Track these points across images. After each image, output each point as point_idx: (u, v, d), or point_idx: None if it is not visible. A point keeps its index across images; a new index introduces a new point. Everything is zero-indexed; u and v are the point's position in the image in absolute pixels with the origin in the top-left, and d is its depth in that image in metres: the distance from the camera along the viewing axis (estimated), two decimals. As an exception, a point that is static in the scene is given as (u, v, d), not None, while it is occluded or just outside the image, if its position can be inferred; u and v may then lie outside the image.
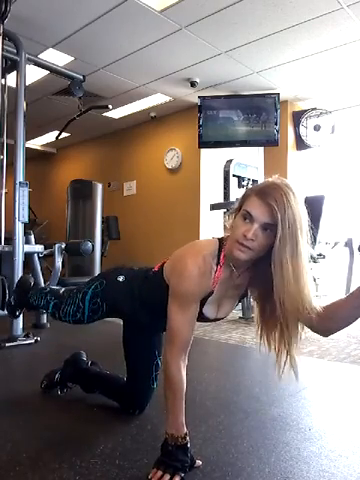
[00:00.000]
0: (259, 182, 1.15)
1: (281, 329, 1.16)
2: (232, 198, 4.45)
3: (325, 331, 1.19)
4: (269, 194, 1.05)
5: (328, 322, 1.14)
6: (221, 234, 1.24)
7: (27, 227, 3.16)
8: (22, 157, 3.01)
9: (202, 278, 1.16)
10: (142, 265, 1.61)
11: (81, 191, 5.29)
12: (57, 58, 4.04)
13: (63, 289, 1.70)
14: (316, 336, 3.10)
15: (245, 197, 1.12)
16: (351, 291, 1.10)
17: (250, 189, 1.13)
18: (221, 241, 1.21)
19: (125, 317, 1.58)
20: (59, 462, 1.23)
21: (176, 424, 1.17)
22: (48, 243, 3.71)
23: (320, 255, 4.36)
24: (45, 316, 3.44)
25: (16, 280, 2.89)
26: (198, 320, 1.28)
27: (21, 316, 2.92)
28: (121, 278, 1.50)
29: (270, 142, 4.64)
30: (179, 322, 1.18)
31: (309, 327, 1.18)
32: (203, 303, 1.24)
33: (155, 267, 1.42)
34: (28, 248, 3.14)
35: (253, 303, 1.29)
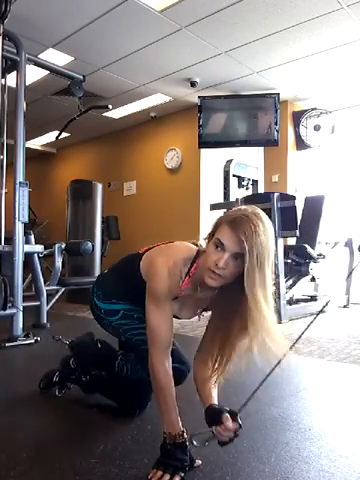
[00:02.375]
0: (231, 210, 1.17)
1: (223, 352, 1.25)
2: (232, 198, 4.45)
3: (196, 380, 1.31)
4: (239, 225, 1.08)
5: (202, 382, 1.29)
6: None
7: (27, 227, 3.16)
8: (22, 157, 3.01)
9: (171, 279, 1.20)
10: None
11: (81, 191, 5.28)
12: (57, 58, 4.04)
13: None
14: (316, 336, 3.10)
15: (217, 225, 1.16)
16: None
17: (222, 218, 1.16)
18: (198, 253, 1.25)
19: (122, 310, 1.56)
20: (59, 462, 1.23)
21: (171, 422, 1.18)
22: (48, 243, 3.71)
23: (320, 255, 4.36)
24: (45, 316, 3.45)
25: (16, 280, 2.90)
26: None
27: (21, 316, 2.93)
28: (106, 270, 1.59)
29: (270, 142, 4.64)
30: (157, 320, 1.21)
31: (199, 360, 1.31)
32: None
33: (140, 250, 1.44)
34: (28, 248, 3.14)
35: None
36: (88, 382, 1.72)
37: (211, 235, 1.17)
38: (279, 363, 1.10)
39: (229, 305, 1.18)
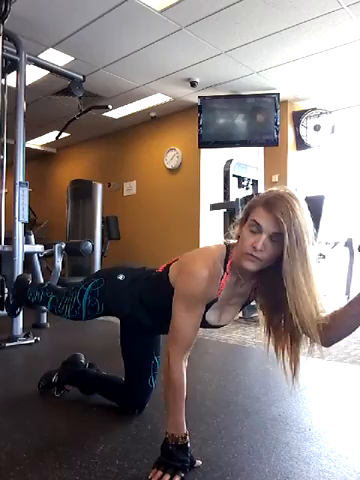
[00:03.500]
0: (263, 192, 1.16)
1: (291, 338, 1.17)
2: (232, 198, 4.45)
3: (327, 341, 1.18)
4: (275, 205, 1.06)
5: (330, 332, 1.14)
6: (221, 235, 1.25)
7: (27, 227, 3.16)
8: (22, 157, 3.01)
9: (211, 281, 1.17)
10: (142, 265, 1.61)
11: (81, 191, 5.29)
12: (57, 58, 4.04)
13: (61, 287, 1.71)
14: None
15: (251, 208, 1.13)
16: (350, 299, 1.10)
17: (255, 200, 1.14)
18: (228, 248, 1.22)
19: (124, 316, 1.57)
20: (59, 462, 1.23)
21: (176, 424, 1.18)
22: (48, 243, 3.71)
23: (320, 255, 4.36)
24: (45, 316, 3.44)
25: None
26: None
27: (21, 316, 2.93)
28: (121, 277, 1.51)
29: (270, 142, 4.64)
30: (184, 322, 1.18)
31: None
32: (206, 309, 1.24)
33: (159, 268, 1.42)
34: (28, 248, 3.14)
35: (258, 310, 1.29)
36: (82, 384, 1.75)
37: (244, 220, 1.15)
38: None
39: (276, 294, 1.13)
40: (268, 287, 1.18)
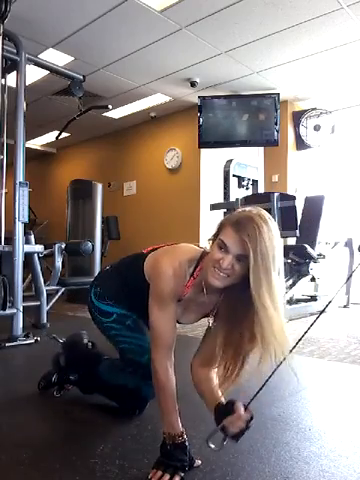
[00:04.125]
0: (236, 211, 1.16)
1: (242, 356, 1.18)
2: (232, 198, 4.46)
3: (195, 380, 1.32)
4: (242, 227, 1.06)
5: (203, 382, 1.29)
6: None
7: (27, 227, 3.16)
8: (22, 157, 3.01)
9: (176, 280, 1.19)
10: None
11: (81, 191, 5.28)
12: (57, 58, 4.04)
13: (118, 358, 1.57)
14: (316, 336, 3.09)
15: (221, 227, 1.14)
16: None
17: (227, 218, 1.14)
18: (203, 254, 1.23)
19: (122, 308, 1.55)
20: (59, 462, 1.23)
21: (171, 423, 1.18)
22: (48, 243, 3.71)
23: (320, 255, 4.36)
24: (45, 316, 3.44)
25: (16, 280, 2.90)
26: None
27: (21, 316, 2.93)
28: (108, 267, 1.57)
29: (270, 142, 4.64)
30: (160, 322, 1.21)
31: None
32: None
33: (144, 249, 1.43)
34: (28, 248, 3.14)
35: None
36: (78, 381, 1.72)
37: (215, 236, 1.15)
38: (279, 366, 1.07)
39: (238, 311, 1.15)
40: (231, 305, 1.18)
